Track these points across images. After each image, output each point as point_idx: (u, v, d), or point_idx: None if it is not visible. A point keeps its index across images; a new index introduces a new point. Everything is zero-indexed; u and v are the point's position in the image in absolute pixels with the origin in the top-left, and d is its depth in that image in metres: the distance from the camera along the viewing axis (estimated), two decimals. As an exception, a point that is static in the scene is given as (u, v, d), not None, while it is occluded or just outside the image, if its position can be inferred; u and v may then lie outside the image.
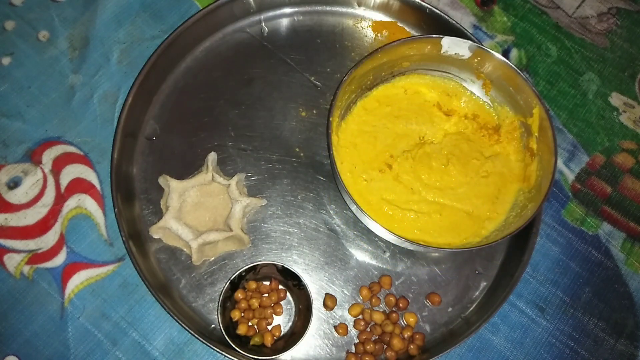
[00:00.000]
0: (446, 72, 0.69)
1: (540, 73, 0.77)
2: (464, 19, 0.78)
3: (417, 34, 0.75)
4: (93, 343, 0.61)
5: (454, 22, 0.72)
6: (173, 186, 0.62)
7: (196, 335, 0.58)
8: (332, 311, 0.63)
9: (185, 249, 0.63)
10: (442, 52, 0.65)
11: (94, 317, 0.62)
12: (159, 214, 0.64)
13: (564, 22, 0.79)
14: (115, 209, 0.62)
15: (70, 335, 0.61)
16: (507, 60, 0.63)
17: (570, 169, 0.73)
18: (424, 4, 0.72)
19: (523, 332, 0.65)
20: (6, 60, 0.71)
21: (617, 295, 0.67)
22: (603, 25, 0.79)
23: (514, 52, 0.78)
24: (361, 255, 0.65)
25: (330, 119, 0.60)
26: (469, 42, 0.64)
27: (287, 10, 0.74)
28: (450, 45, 0.64)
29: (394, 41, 0.64)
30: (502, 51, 0.77)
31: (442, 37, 0.64)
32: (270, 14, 0.74)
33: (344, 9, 0.75)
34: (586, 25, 0.79)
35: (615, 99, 0.76)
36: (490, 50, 0.63)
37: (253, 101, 0.70)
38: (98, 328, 0.62)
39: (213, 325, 0.61)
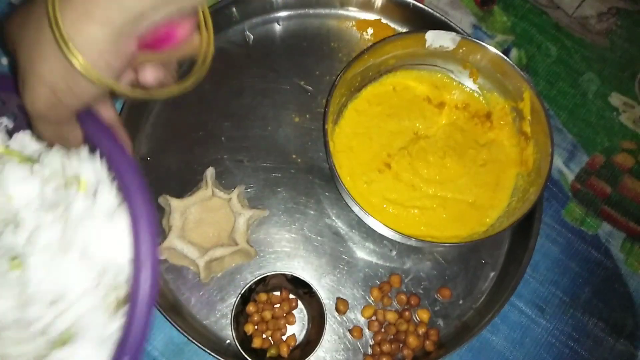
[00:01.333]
0: (432, 65, 0.69)
1: (540, 73, 0.77)
2: (464, 18, 0.78)
3: (400, 30, 0.75)
4: (92, 342, 0.61)
5: (438, 14, 0.71)
6: (174, 205, 0.62)
7: (212, 354, 0.57)
8: (344, 315, 0.63)
9: (192, 267, 0.63)
10: (426, 45, 0.65)
11: (93, 316, 0.62)
12: (161, 234, 0.64)
13: (564, 22, 0.80)
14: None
15: (70, 334, 0.61)
16: (491, 47, 0.63)
17: (570, 169, 0.73)
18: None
19: (523, 332, 0.65)
20: (5, 61, 0.69)
21: (616, 295, 0.68)
22: (603, 25, 0.80)
23: (513, 52, 0.78)
24: (368, 256, 0.65)
25: (326, 127, 0.60)
26: (452, 33, 0.64)
27: (271, 16, 0.74)
28: (435, 39, 0.64)
29: (380, 41, 0.63)
30: (502, 51, 0.77)
31: (425, 31, 0.64)
32: (254, 21, 0.74)
33: (327, 11, 0.75)
34: (586, 25, 0.79)
35: (615, 99, 0.77)
36: (474, 39, 0.64)
37: (245, 111, 0.70)
38: (97, 327, 0.62)
39: (228, 341, 0.61)
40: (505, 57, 0.63)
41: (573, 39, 0.79)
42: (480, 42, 0.63)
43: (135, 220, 0.40)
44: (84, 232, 0.41)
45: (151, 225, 0.40)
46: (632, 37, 0.80)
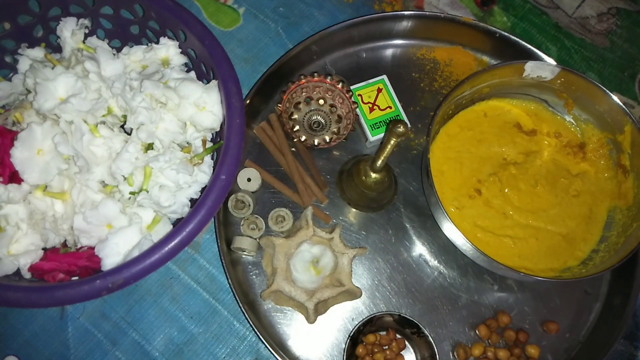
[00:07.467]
0: (526, 94, 0.68)
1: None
2: (465, 19, 0.77)
3: (480, 58, 0.74)
4: (93, 343, 0.61)
5: (523, 42, 0.71)
6: (279, 245, 0.60)
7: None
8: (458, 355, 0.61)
9: (297, 309, 0.61)
10: (524, 75, 0.65)
11: (94, 317, 0.62)
12: (261, 276, 0.63)
13: (564, 22, 0.79)
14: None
15: (70, 335, 0.61)
16: (593, 81, 0.62)
17: None
18: (490, 28, 0.72)
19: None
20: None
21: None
22: (603, 25, 0.79)
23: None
24: (469, 291, 0.64)
25: (428, 156, 0.59)
26: (553, 64, 0.64)
27: (349, 50, 0.73)
28: (533, 69, 0.64)
29: (478, 71, 0.63)
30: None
31: (525, 62, 0.63)
32: (335, 55, 0.73)
33: (407, 41, 0.74)
34: (586, 25, 0.79)
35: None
36: (575, 71, 0.63)
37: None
38: (98, 328, 0.62)
39: (339, 385, 0.60)
40: (606, 90, 0.62)
41: (573, 39, 0.79)
42: (582, 74, 0.62)
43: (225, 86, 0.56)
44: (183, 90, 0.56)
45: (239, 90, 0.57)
46: (632, 37, 0.79)
